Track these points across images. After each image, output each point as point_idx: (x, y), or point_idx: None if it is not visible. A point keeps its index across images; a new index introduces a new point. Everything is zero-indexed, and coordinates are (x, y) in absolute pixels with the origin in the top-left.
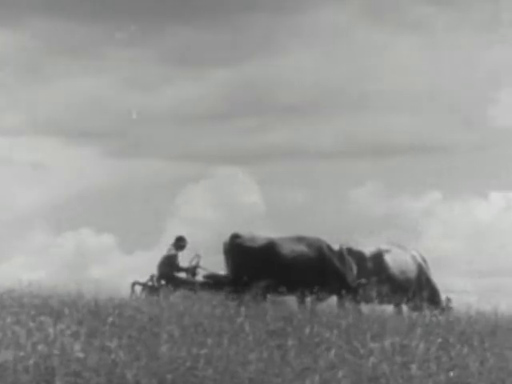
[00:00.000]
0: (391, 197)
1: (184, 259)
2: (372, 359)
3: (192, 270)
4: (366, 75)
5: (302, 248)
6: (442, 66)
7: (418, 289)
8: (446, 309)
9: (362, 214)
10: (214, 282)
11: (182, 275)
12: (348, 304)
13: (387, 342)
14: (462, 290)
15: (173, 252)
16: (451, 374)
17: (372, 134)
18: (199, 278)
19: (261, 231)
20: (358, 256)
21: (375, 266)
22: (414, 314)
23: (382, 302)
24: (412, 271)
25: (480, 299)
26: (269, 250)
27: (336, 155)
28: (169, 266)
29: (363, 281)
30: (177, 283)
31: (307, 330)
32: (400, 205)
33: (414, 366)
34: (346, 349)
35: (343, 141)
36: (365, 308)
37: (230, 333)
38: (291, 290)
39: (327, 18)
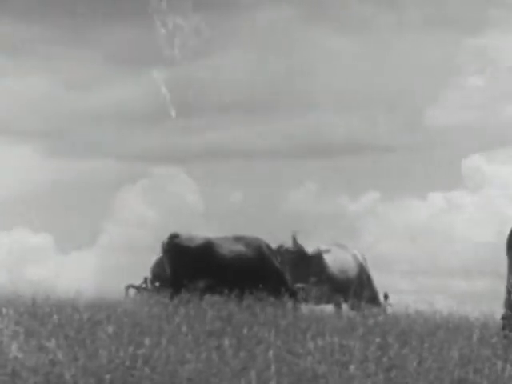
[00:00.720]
0: (330, 197)
1: None
2: (310, 359)
3: None
4: (305, 75)
5: (240, 248)
6: (381, 66)
7: (359, 288)
8: (385, 306)
9: (300, 214)
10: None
11: None
12: (288, 303)
13: (326, 342)
14: (400, 289)
15: None
16: (390, 374)
17: (311, 134)
18: None
19: (200, 231)
20: (297, 256)
21: (315, 267)
22: (353, 314)
23: (320, 301)
24: (353, 270)
25: (419, 299)
26: (207, 250)
27: (275, 155)
28: (163, 267)
29: (300, 285)
30: None
31: (245, 330)
32: (339, 205)
33: (352, 366)
34: (284, 348)
35: (282, 141)
36: (304, 308)
37: (168, 333)
38: (231, 289)
39: (265, 17)
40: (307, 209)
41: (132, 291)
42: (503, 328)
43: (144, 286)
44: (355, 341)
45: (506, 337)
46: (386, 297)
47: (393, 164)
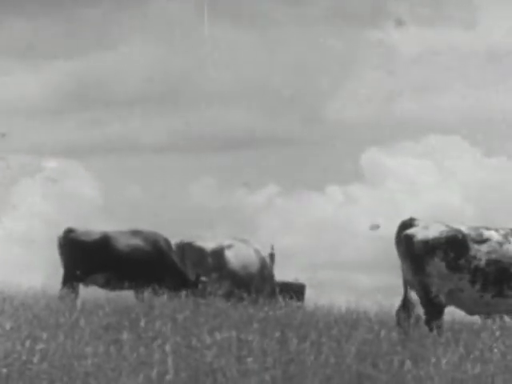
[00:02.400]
0: (229, 191)
1: None
2: (208, 353)
3: None
4: (203, 68)
5: (137, 242)
6: (280, 60)
7: (260, 283)
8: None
9: (199, 209)
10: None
11: None
12: (185, 298)
13: (224, 336)
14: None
15: None
16: (288, 367)
17: (209, 128)
18: None
19: (98, 225)
20: (199, 252)
21: (216, 262)
22: (252, 308)
23: (221, 295)
24: (254, 266)
25: (318, 293)
26: (103, 244)
27: (173, 149)
28: None
29: (203, 279)
30: None
31: (143, 324)
32: (237, 199)
33: (250, 360)
34: (182, 343)
35: (180, 135)
36: (203, 302)
37: (65, 327)
38: (129, 283)
39: (165, 12)
40: (206, 203)
41: None
42: (398, 323)
43: None
44: (254, 335)
45: (403, 331)
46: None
47: (292, 157)
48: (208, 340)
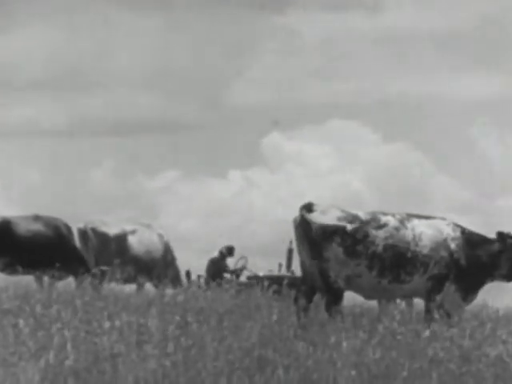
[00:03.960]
0: (129, 175)
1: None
2: (108, 338)
3: (238, 272)
4: (104, 53)
5: (38, 227)
6: (180, 44)
7: (163, 268)
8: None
9: (100, 194)
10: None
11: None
12: (86, 283)
13: (123, 321)
14: (200, 268)
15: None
16: (189, 353)
17: (108, 112)
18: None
19: None
20: (102, 237)
21: (119, 247)
22: (152, 293)
23: (123, 282)
24: (158, 250)
25: None
26: (3, 229)
27: (72, 134)
28: (218, 268)
29: (104, 268)
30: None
31: (42, 309)
32: (138, 183)
33: (150, 346)
34: (81, 328)
35: (79, 119)
36: (104, 287)
37: None
38: (29, 268)
39: None
40: (107, 188)
41: None
42: (297, 307)
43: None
44: (154, 320)
45: (303, 316)
46: (188, 274)
47: (192, 142)
48: (108, 325)
